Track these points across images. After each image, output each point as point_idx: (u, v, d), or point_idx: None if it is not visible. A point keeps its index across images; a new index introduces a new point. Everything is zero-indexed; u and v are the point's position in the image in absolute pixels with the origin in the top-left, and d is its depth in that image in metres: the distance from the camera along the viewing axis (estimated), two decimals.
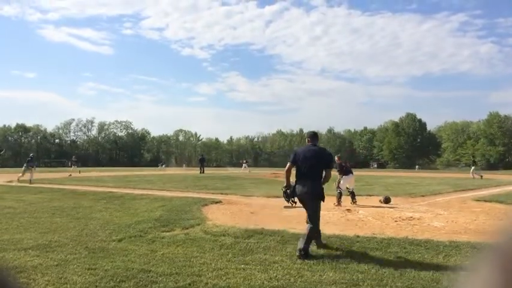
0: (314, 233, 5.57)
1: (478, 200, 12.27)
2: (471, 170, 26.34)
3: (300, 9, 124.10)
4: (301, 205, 6.00)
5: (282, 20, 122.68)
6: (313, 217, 5.61)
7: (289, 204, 6.21)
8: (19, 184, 18.44)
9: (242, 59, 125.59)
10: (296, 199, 5.95)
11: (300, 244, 5.27)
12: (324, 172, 5.74)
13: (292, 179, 5.96)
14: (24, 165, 21.12)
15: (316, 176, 5.67)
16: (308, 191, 5.62)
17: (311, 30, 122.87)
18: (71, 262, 4.89)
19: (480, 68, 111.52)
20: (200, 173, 32.35)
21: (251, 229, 7.03)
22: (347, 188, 11.13)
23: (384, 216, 9.29)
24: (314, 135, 6.12)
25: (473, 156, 39.37)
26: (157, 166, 56.68)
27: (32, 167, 20.62)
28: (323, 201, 5.71)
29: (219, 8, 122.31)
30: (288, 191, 5.94)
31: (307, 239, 5.33)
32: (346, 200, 11.04)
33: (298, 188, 5.71)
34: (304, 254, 5.16)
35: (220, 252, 5.49)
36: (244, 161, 45.15)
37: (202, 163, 34.71)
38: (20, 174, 20.29)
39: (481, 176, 25.35)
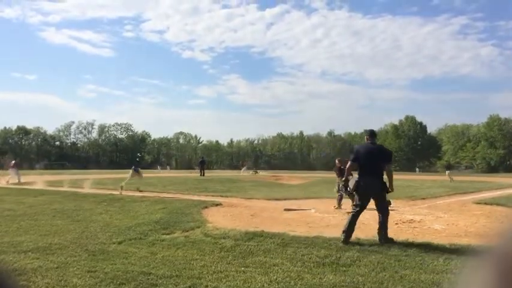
0: (387, 220, 6.23)
1: (479, 203, 12.25)
2: (447, 173, 28.85)
3: (301, 12, 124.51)
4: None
5: (282, 23, 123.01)
6: (383, 207, 6.24)
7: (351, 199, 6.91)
8: (18, 187, 18.47)
9: (243, 61, 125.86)
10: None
11: (380, 235, 6.03)
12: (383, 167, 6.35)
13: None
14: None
15: (379, 170, 6.23)
16: (374, 185, 6.16)
17: (312, 33, 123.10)
18: (71, 265, 4.88)
19: (481, 71, 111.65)
20: (200, 175, 32.32)
21: (251, 232, 7.02)
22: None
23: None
24: (372, 133, 6.56)
25: (447, 161, 43.37)
26: (157, 168, 56.70)
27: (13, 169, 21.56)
28: (387, 192, 6.26)
29: (220, 11, 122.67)
30: (348, 187, 6.65)
31: (385, 227, 6.10)
32: (346, 203, 11.03)
33: (363, 183, 6.21)
34: (386, 240, 6.01)
35: (220, 254, 5.48)
36: (245, 164, 45.12)
37: (203, 165, 34.66)
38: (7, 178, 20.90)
39: (451, 179, 26.56)
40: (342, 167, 11.41)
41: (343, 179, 6.83)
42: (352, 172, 6.95)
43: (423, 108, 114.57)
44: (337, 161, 11.52)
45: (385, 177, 6.38)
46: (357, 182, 6.31)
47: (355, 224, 6.23)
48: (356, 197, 6.50)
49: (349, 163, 6.52)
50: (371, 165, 6.16)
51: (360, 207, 6.31)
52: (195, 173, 37.60)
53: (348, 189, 6.79)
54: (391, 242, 6.01)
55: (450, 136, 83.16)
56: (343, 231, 6.12)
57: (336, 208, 10.62)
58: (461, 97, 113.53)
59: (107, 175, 30.41)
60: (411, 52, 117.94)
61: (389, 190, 6.30)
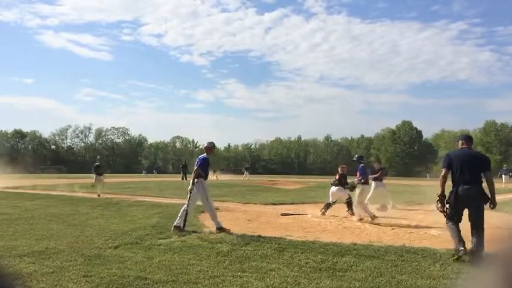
0: (483, 236, 5.32)
1: None
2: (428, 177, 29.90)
3: (300, 17, 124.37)
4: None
5: (281, 27, 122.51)
6: (478, 222, 5.40)
7: (443, 212, 5.77)
8: (15, 191, 18.39)
9: (241, 65, 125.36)
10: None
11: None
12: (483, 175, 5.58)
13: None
14: None
15: (477, 179, 5.51)
16: (471, 195, 5.46)
17: (310, 38, 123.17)
18: (66, 269, 4.86)
19: (478, 76, 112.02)
20: (182, 180, 32.11)
21: (248, 236, 7.01)
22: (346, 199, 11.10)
23: (381, 224, 9.30)
24: (469, 139, 5.90)
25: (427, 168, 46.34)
26: (152, 173, 56.51)
27: None
28: (486, 202, 5.50)
29: (219, 15, 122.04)
30: (444, 199, 5.69)
31: (481, 247, 5.22)
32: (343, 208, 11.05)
33: (460, 193, 5.51)
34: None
35: (216, 259, 5.47)
36: (245, 167, 44.83)
37: (185, 170, 34.54)
38: None
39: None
40: (345, 174, 11.36)
41: (441, 193, 5.69)
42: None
43: (421, 113, 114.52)
44: (340, 169, 11.48)
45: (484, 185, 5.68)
46: (452, 192, 5.62)
47: (460, 232, 5.57)
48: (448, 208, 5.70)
49: (443, 171, 5.70)
50: (469, 172, 5.48)
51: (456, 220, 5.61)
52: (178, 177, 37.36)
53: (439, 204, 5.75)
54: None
55: (447, 141, 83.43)
56: (457, 247, 5.43)
57: (350, 213, 10.70)
58: (459, 102, 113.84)
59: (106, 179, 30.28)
60: (409, 57, 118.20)
61: (492, 206, 5.51)
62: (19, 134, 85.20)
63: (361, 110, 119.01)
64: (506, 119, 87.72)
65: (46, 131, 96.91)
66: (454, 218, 5.63)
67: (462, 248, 5.34)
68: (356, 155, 11.43)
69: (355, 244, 6.48)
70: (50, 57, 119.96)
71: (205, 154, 8.33)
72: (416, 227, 8.94)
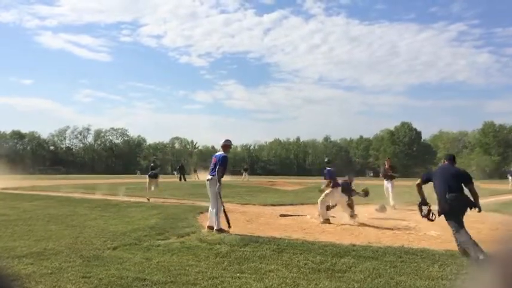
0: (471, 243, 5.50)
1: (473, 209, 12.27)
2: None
3: (299, 18, 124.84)
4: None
5: (280, 29, 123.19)
6: (459, 229, 5.73)
7: (427, 218, 6.39)
8: (13, 191, 18.35)
9: (240, 67, 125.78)
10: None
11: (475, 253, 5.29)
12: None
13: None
14: None
15: (459, 190, 5.95)
16: (457, 204, 5.87)
17: (309, 39, 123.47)
18: (65, 270, 4.85)
19: (477, 78, 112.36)
20: (180, 181, 32.17)
21: (247, 237, 7.01)
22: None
23: (379, 225, 9.30)
24: (452, 158, 6.53)
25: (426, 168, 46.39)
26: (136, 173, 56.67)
27: None
28: (471, 208, 5.95)
29: (218, 16, 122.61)
30: (423, 206, 6.36)
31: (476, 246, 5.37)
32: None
33: (447, 204, 5.87)
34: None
35: (215, 260, 5.47)
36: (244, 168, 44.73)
37: (182, 171, 34.57)
38: None
39: None
40: (348, 182, 11.31)
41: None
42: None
43: (420, 114, 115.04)
44: (346, 179, 11.45)
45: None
46: (438, 205, 6.06)
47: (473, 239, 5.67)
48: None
49: (419, 180, 6.48)
50: (452, 186, 5.96)
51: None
52: (176, 178, 37.31)
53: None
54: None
55: (446, 142, 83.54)
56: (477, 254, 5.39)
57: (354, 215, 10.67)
58: (458, 103, 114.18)
59: (102, 180, 30.29)
60: (408, 58, 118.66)
61: (479, 210, 6.06)
62: (18, 135, 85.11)
63: (360, 111, 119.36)
64: (505, 120, 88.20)
65: (45, 131, 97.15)
66: (459, 230, 5.74)
67: (482, 257, 5.18)
68: (326, 158, 11.39)
69: (354, 245, 6.48)
70: (48, 58, 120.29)
71: (222, 152, 8.22)
72: (415, 228, 8.95)
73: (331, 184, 10.13)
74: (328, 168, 10.42)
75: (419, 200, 6.45)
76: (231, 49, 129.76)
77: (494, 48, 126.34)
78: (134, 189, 19.52)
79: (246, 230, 8.17)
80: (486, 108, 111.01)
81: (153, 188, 15.33)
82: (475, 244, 5.41)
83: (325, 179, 10.43)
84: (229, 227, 7.70)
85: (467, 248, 5.52)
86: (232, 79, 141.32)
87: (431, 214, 6.29)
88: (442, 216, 5.92)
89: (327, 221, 9.67)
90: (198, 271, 4.88)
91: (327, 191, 10.10)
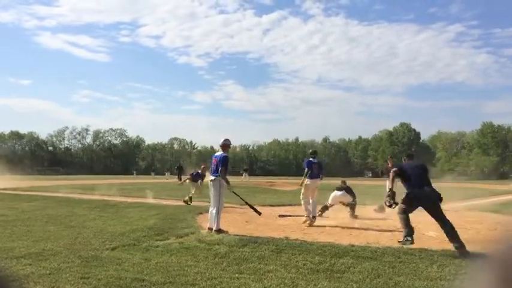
0: (453, 230, 6.24)
1: (472, 210, 12.32)
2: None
3: (298, 19, 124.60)
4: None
5: (279, 29, 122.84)
6: (441, 216, 6.46)
7: (390, 207, 7.08)
8: (12, 192, 18.32)
9: (239, 67, 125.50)
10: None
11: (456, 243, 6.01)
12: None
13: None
14: None
15: (428, 182, 6.66)
16: (426, 195, 6.53)
17: (308, 39, 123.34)
18: (63, 271, 4.84)
19: (475, 78, 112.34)
20: (179, 181, 32.05)
21: (246, 238, 7.01)
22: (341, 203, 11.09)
23: (378, 226, 9.31)
24: (411, 156, 7.66)
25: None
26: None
27: None
28: (440, 200, 6.55)
29: (217, 16, 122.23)
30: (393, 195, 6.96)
31: (455, 236, 6.11)
32: (343, 210, 11.06)
33: (416, 194, 6.57)
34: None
35: (214, 261, 5.47)
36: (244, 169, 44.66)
37: (180, 171, 34.47)
38: None
39: None
40: (347, 185, 11.33)
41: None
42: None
43: (418, 115, 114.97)
44: (341, 182, 11.50)
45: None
46: (408, 193, 6.69)
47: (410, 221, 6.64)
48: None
49: (395, 169, 7.09)
50: (422, 178, 6.69)
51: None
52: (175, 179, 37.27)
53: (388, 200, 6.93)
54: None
55: (445, 143, 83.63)
56: (408, 233, 6.45)
57: (354, 215, 10.65)
58: (456, 104, 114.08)
59: (101, 181, 30.27)
60: (407, 59, 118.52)
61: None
62: (16, 136, 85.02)
63: (359, 112, 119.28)
64: (503, 120, 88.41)
65: (43, 132, 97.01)
66: (406, 212, 6.54)
67: (410, 239, 6.32)
68: (311, 150, 11.17)
69: (352, 245, 6.49)
70: (47, 59, 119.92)
71: (222, 152, 8.21)
72: (413, 228, 8.93)
73: (308, 175, 9.77)
74: (306, 159, 10.29)
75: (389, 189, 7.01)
76: (230, 49, 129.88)
77: (493, 49, 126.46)
78: (131, 190, 19.49)
79: (244, 230, 8.17)
80: (485, 108, 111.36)
81: (193, 191, 14.72)
82: (410, 225, 6.45)
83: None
84: (259, 213, 8.84)
85: (404, 225, 6.47)
86: (231, 79, 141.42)
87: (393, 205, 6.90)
88: (435, 221, 6.55)
89: (314, 219, 9.48)
90: (197, 271, 4.88)
91: (305, 183, 9.75)
